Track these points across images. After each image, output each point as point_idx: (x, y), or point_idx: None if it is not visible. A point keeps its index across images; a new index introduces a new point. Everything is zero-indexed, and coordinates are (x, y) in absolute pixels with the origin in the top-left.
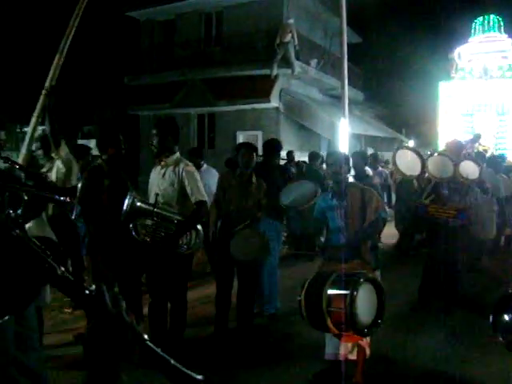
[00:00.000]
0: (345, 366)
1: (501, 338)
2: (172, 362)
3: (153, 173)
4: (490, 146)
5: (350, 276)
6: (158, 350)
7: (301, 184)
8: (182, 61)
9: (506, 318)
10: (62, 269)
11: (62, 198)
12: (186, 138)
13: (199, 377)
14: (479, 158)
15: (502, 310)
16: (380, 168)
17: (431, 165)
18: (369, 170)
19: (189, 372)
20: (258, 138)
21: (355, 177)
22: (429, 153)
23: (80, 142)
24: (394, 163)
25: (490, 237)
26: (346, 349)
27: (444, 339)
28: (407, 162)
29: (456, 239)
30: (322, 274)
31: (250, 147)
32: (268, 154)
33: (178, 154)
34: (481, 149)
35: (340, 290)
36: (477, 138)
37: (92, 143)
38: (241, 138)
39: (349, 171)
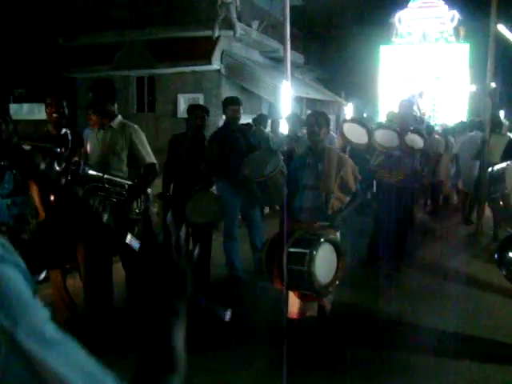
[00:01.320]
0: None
1: (504, 272)
2: (204, 302)
3: (92, 138)
4: (427, 109)
5: (312, 235)
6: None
7: (263, 155)
8: (120, 21)
9: (510, 255)
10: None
11: (59, 150)
12: (125, 101)
13: (227, 316)
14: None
15: (505, 249)
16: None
17: (378, 136)
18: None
19: (220, 310)
20: (200, 101)
21: (288, 137)
22: (365, 115)
23: (12, 105)
24: (343, 135)
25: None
26: (306, 306)
27: (393, 295)
28: (355, 132)
29: (401, 200)
30: (283, 232)
31: (201, 109)
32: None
33: (120, 117)
34: (419, 113)
35: (301, 248)
36: (421, 94)
37: (24, 107)
38: (182, 100)
39: (328, 132)
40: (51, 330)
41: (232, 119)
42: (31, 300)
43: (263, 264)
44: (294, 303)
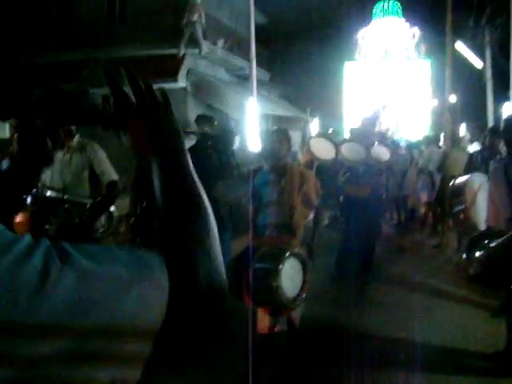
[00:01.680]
0: (275, 336)
1: (471, 271)
2: None
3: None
4: (390, 124)
5: (277, 250)
6: None
7: (235, 179)
8: (85, 39)
9: (476, 254)
10: None
11: None
12: None
13: None
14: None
15: (472, 248)
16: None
17: (345, 150)
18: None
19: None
20: None
21: (261, 154)
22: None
23: None
24: (310, 151)
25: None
26: (275, 321)
27: (362, 308)
28: (321, 148)
29: (368, 213)
30: (249, 248)
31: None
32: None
33: (77, 136)
34: (383, 128)
35: (267, 264)
36: (384, 107)
37: None
38: None
39: (289, 149)
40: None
41: (205, 136)
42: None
43: (229, 281)
44: (262, 319)
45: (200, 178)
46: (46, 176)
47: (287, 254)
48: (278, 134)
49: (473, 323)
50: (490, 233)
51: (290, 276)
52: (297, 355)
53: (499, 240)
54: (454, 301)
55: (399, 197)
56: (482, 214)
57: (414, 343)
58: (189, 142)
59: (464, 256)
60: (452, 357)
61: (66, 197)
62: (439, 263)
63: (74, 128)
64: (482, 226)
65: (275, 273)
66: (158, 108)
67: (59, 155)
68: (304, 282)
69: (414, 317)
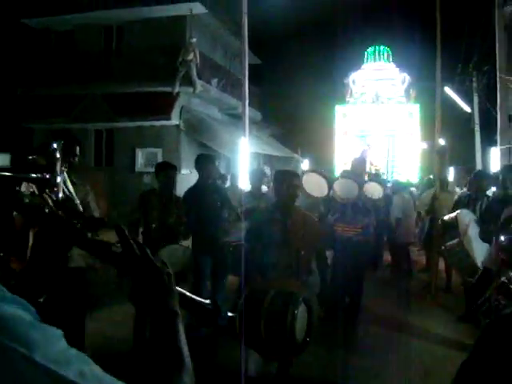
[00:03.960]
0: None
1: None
2: (188, 294)
3: None
4: (381, 166)
5: (289, 294)
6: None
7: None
8: (81, 74)
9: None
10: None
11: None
12: (82, 154)
13: (207, 301)
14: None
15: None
16: None
17: (337, 187)
18: (264, 188)
19: (201, 300)
20: (158, 156)
21: (251, 193)
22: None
23: None
24: (302, 186)
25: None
26: (265, 364)
27: (349, 351)
28: (314, 184)
29: (358, 254)
30: (257, 291)
31: (170, 168)
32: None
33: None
34: (373, 169)
35: (280, 307)
36: (369, 145)
37: None
38: (140, 155)
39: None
40: (64, 347)
41: (208, 177)
42: (38, 325)
43: (236, 324)
44: (253, 361)
45: (203, 219)
46: None
47: (300, 298)
48: (289, 174)
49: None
50: None
51: (300, 321)
52: None
53: None
54: (443, 344)
55: (396, 243)
56: (475, 246)
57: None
58: (188, 183)
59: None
60: None
61: None
62: (428, 304)
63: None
64: (479, 262)
65: (291, 317)
66: (152, 268)
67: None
68: (309, 326)
69: (403, 361)
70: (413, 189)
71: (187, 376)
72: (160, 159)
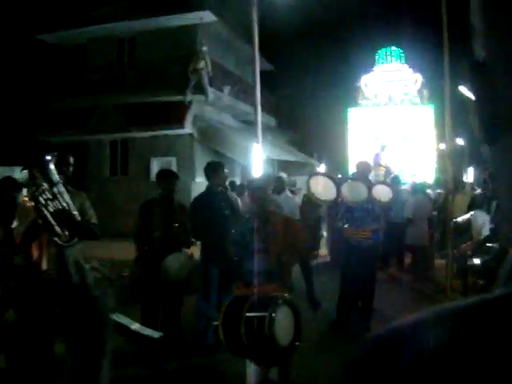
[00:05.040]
0: None
1: None
2: (132, 327)
3: None
4: (396, 169)
5: (268, 299)
6: (121, 320)
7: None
8: (94, 86)
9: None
10: None
11: None
12: (98, 164)
13: (156, 335)
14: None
15: None
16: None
17: (346, 189)
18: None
19: (148, 333)
20: (172, 164)
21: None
22: (339, 176)
23: None
24: (309, 190)
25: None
26: (266, 372)
27: None
28: (322, 187)
29: (368, 258)
30: (239, 297)
31: (169, 175)
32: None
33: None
34: (381, 169)
35: (258, 312)
36: (383, 147)
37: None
38: (155, 164)
39: (282, 191)
40: None
41: (217, 185)
42: None
43: (220, 333)
44: (254, 370)
45: (211, 226)
46: None
47: (279, 301)
48: (263, 180)
49: None
50: None
51: (282, 324)
52: None
53: None
54: None
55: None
56: None
57: None
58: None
59: None
60: None
61: None
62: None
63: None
64: None
65: (268, 321)
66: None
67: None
68: (297, 330)
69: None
70: (429, 191)
71: None
72: (174, 168)
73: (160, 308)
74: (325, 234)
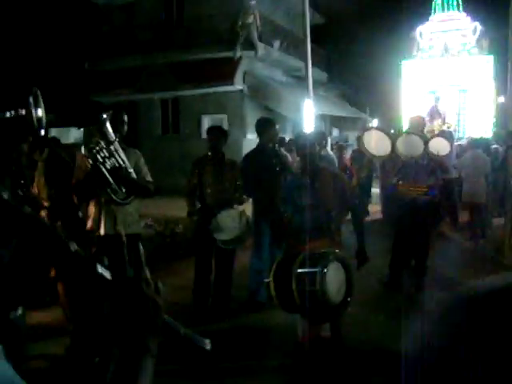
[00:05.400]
0: (319, 343)
1: None
2: (182, 331)
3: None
4: (452, 123)
5: (318, 255)
6: (171, 321)
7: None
8: (143, 45)
9: None
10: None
11: None
12: (149, 123)
13: (207, 345)
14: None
15: None
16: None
17: (401, 144)
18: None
19: (198, 340)
20: (223, 122)
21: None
22: (392, 131)
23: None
24: (362, 145)
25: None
26: (318, 328)
27: (410, 316)
28: (376, 143)
29: (423, 216)
30: (290, 254)
31: (214, 130)
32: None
33: None
34: (445, 127)
35: (309, 268)
36: (437, 99)
37: (52, 132)
38: (206, 121)
39: (324, 147)
40: None
41: (268, 141)
42: None
43: (272, 290)
44: (306, 326)
45: (262, 184)
46: None
47: (330, 257)
48: (307, 136)
49: None
50: None
51: (334, 280)
52: (341, 364)
53: None
54: None
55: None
56: None
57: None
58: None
59: None
60: None
61: None
62: (500, 269)
63: None
64: None
65: (320, 277)
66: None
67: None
68: (349, 286)
69: (470, 327)
70: (494, 145)
71: None
72: (225, 125)
73: (212, 263)
74: (378, 191)
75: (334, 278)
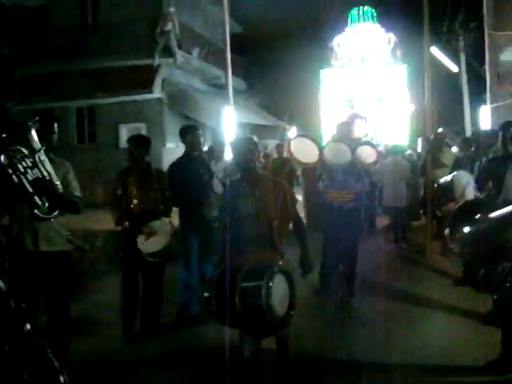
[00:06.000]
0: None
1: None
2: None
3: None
4: (370, 131)
5: (262, 267)
6: None
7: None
8: (57, 50)
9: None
10: None
11: None
12: (65, 132)
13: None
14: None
15: (457, 223)
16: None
17: (328, 151)
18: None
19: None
20: (142, 130)
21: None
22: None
23: None
24: (290, 152)
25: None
26: (259, 342)
27: (347, 321)
28: (303, 150)
29: (351, 222)
30: (230, 266)
31: (134, 140)
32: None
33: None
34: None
35: (254, 282)
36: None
37: None
38: (123, 130)
39: (257, 158)
40: None
41: (194, 149)
42: None
43: (213, 303)
44: (248, 340)
45: (189, 192)
46: None
47: (275, 269)
48: (246, 142)
49: (462, 333)
50: (478, 203)
51: (278, 293)
52: (289, 376)
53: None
54: (441, 310)
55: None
56: None
57: (401, 357)
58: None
59: (447, 231)
60: (441, 371)
61: None
62: (424, 270)
63: None
64: None
65: (265, 291)
66: None
67: None
68: (291, 298)
69: (400, 328)
70: (409, 152)
71: None
72: (144, 134)
73: (139, 277)
74: (299, 198)
75: (278, 291)
